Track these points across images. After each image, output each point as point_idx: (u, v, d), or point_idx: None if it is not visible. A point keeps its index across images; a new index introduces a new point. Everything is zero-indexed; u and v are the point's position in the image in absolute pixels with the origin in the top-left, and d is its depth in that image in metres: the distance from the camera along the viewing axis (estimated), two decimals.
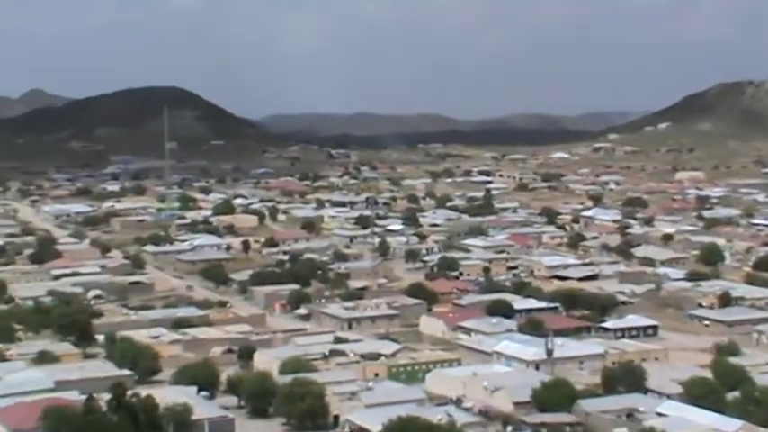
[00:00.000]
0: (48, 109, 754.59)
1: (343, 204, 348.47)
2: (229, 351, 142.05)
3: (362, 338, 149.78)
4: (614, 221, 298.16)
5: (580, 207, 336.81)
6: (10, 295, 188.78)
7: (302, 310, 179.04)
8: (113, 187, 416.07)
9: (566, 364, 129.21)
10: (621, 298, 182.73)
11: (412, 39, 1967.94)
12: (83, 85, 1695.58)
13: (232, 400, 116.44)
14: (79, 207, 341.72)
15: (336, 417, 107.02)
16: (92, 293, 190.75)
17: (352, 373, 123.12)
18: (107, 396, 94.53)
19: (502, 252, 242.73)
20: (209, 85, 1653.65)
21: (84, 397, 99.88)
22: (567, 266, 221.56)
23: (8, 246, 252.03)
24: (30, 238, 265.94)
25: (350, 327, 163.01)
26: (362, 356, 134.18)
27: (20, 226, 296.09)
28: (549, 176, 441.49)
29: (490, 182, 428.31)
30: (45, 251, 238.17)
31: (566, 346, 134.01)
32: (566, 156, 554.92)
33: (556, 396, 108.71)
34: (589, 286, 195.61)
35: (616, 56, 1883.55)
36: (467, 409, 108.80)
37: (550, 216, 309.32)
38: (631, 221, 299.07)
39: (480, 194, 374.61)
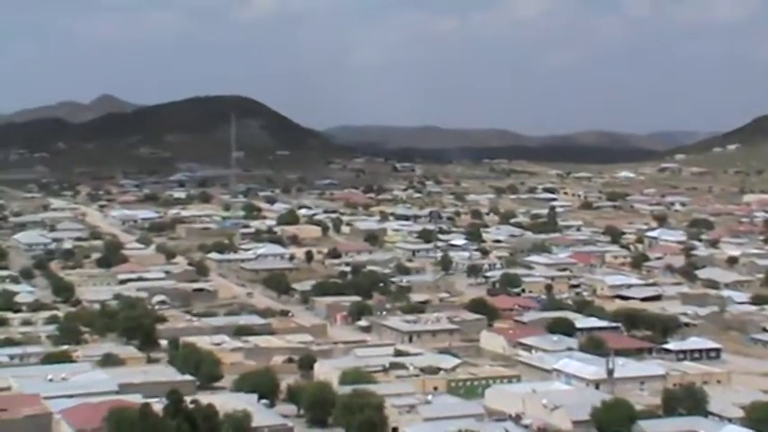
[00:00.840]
0: (118, 115, 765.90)
1: (406, 218, 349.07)
2: (290, 360, 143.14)
3: (422, 352, 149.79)
4: (679, 242, 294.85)
5: (645, 227, 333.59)
6: (77, 298, 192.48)
7: (363, 322, 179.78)
8: (180, 194, 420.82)
9: (626, 385, 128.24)
10: (684, 320, 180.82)
11: (481, 54, 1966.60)
12: (152, 92, 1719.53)
13: (292, 408, 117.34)
14: (146, 213, 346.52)
15: (395, 429, 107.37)
16: (156, 299, 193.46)
17: (411, 387, 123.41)
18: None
19: (564, 270, 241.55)
20: (276, 96, 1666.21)
21: (147, 400, 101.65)
22: (629, 286, 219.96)
23: (76, 249, 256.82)
24: (97, 243, 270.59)
25: (410, 340, 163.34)
26: (422, 370, 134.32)
27: (88, 230, 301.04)
28: (614, 195, 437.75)
29: (554, 199, 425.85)
30: (112, 256, 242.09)
31: (626, 367, 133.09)
32: (631, 175, 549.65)
33: (615, 416, 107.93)
34: (652, 307, 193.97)
35: (685, 75, 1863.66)
36: (525, 427, 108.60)
37: (614, 235, 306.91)
38: (696, 243, 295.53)
39: (544, 211, 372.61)
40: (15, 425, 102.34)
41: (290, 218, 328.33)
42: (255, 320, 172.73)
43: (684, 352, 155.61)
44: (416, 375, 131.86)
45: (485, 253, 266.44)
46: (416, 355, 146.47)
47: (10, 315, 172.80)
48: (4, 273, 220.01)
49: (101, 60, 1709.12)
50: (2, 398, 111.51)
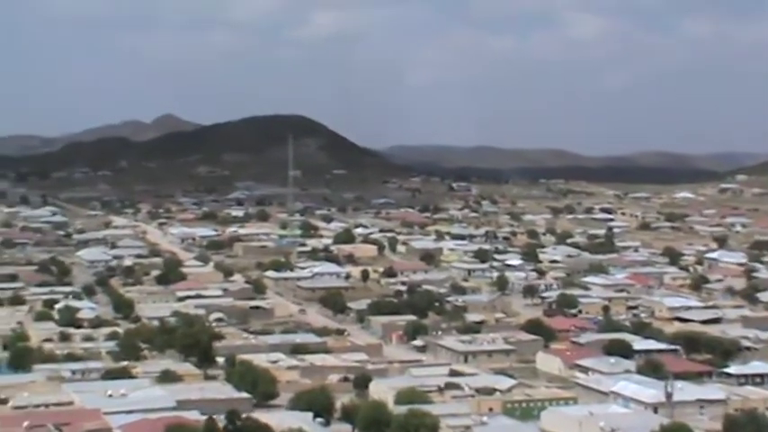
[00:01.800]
0: (178, 134, 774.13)
1: (462, 237, 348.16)
2: (345, 379, 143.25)
3: (478, 372, 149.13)
4: (740, 264, 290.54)
5: (704, 249, 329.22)
6: (137, 314, 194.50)
7: (418, 342, 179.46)
8: (237, 212, 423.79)
9: (685, 409, 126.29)
10: (745, 343, 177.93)
11: (538, 73, 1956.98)
12: (212, 112, 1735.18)
13: (347, 428, 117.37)
14: (204, 231, 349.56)
15: None
16: (214, 316, 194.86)
17: (466, 407, 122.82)
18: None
19: (622, 291, 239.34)
20: (333, 115, 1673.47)
21: (204, 417, 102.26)
22: (689, 308, 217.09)
23: (136, 266, 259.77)
24: (157, 260, 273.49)
25: (465, 360, 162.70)
26: (477, 390, 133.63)
27: (148, 247, 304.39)
28: (672, 216, 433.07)
29: (612, 220, 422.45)
30: (171, 273, 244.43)
31: (686, 390, 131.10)
32: (691, 196, 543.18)
33: None
34: (712, 330, 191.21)
35: (746, 95, 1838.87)
36: None
37: (673, 257, 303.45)
38: (757, 265, 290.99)
39: (601, 232, 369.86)
40: None
41: (346, 237, 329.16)
42: (311, 339, 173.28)
43: (746, 376, 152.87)
44: (472, 396, 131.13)
45: (541, 273, 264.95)
46: (472, 375, 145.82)
47: (72, 331, 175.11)
48: (68, 289, 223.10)
49: (163, 80, 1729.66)
50: (64, 412, 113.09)
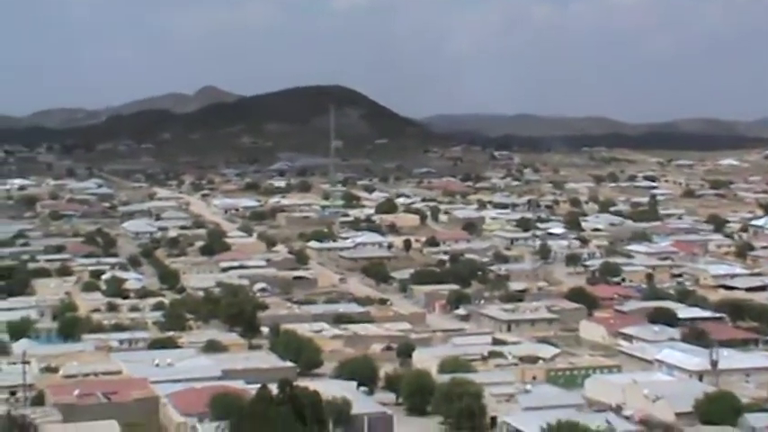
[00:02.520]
0: (220, 105, 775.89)
1: (504, 206, 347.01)
2: (389, 348, 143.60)
3: (521, 341, 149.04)
4: None
5: (749, 216, 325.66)
6: (182, 285, 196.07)
7: (461, 311, 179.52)
8: (280, 183, 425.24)
9: (731, 377, 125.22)
10: None
11: (580, 40, 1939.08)
12: (254, 83, 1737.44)
13: (390, 396, 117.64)
14: (247, 202, 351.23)
15: (494, 418, 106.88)
16: (257, 286, 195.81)
17: (509, 375, 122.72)
18: (270, 386, 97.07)
19: (666, 259, 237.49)
20: (374, 85, 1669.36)
21: (249, 386, 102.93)
22: (734, 276, 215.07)
23: (181, 238, 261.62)
24: (201, 231, 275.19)
25: (509, 329, 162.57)
26: (521, 359, 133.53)
27: (192, 219, 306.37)
28: (717, 183, 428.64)
29: (655, 187, 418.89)
30: (215, 244, 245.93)
31: (731, 358, 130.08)
32: (736, 162, 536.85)
33: (720, 408, 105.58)
34: (757, 297, 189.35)
35: None
36: (626, 417, 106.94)
37: (718, 224, 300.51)
38: None
39: (645, 200, 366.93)
40: (125, 407, 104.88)
41: (388, 206, 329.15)
42: (354, 308, 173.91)
43: None
44: (515, 364, 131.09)
45: (584, 242, 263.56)
46: (515, 344, 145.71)
47: (119, 301, 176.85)
48: (114, 260, 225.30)
49: (204, 52, 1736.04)
50: (112, 381, 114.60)
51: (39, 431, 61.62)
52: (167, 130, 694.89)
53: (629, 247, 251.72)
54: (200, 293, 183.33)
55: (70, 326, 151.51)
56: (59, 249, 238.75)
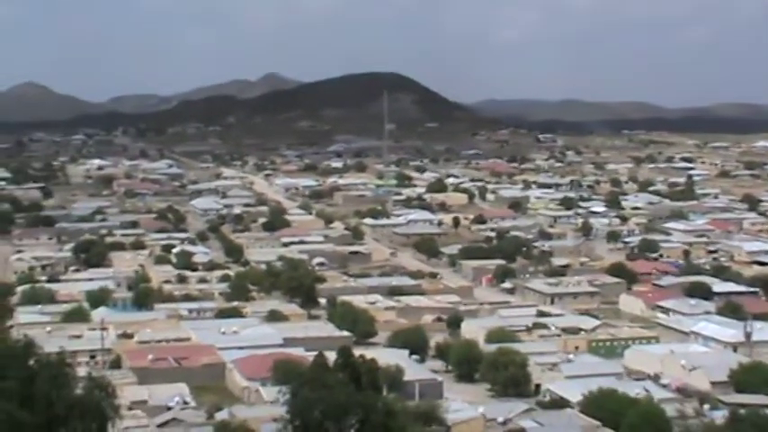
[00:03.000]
0: (281, 91, 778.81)
1: (548, 186, 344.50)
2: (439, 319, 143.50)
3: (564, 313, 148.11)
4: None
5: None
6: (246, 259, 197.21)
7: (507, 284, 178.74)
8: (337, 164, 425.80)
9: (764, 348, 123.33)
10: None
11: (621, 28, 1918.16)
12: (312, 70, 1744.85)
13: (440, 364, 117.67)
14: (306, 181, 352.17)
15: (538, 386, 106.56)
16: (316, 260, 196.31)
17: (553, 346, 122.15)
18: (328, 354, 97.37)
19: (702, 236, 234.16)
20: (425, 72, 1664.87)
21: (308, 353, 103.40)
22: (767, 252, 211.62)
23: (245, 214, 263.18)
24: (263, 209, 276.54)
25: (552, 302, 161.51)
26: (563, 330, 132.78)
27: (255, 197, 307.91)
28: (751, 164, 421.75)
29: (692, 168, 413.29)
30: (276, 220, 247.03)
31: (764, 330, 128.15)
32: None
33: (754, 378, 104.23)
34: None
35: None
36: (664, 386, 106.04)
37: (752, 203, 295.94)
38: None
39: (682, 180, 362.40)
40: (194, 372, 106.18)
41: (438, 186, 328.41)
42: (407, 281, 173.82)
43: None
44: (558, 335, 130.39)
45: (624, 220, 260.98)
46: (558, 316, 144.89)
47: (189, 273, 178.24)
48: (183, 235, 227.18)
49: (268, 40, 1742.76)
50: (182, 347, 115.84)
51: (116, 392, 62.30)
52: (233, 114, 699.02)
53: (667, 225, 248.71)
54: (263, 267, 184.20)
55: (144, 296, 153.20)
56: (134, 225, 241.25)
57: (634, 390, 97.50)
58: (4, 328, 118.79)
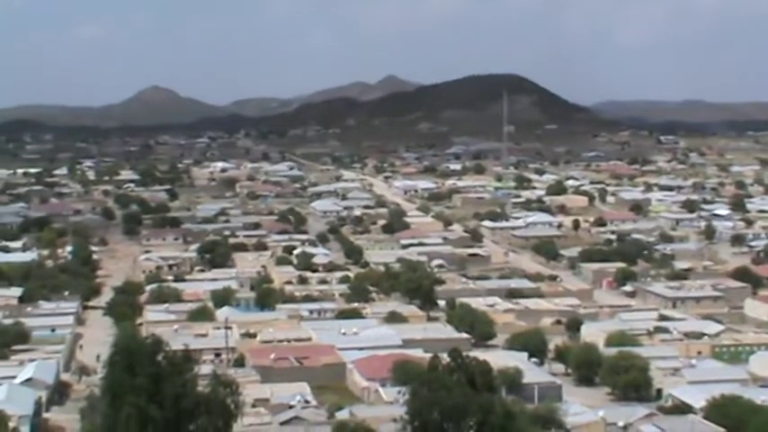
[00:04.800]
0: (401, 94, 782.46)
1: (670, 188, 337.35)
2: (558, 322, 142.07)
3: (686, 317, 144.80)
4: None
5: None
6: (365, 260, 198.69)
7: (628, 288, 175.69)
8: (455, 166, 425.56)
9: None
10: None
11: (747, 27, 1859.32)
12: (431, 72, 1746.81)
13: (560, 367, 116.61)
14: (425, 183, 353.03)
15: (659, 390, 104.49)
16: (435, 262, 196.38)
17: (675, 350, 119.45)
18: (445, 355, 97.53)
19: None
20: (545, 73, 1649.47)
21: (427, 355, 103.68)
22: None
23: (364, 216, 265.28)
24: (382, 211, 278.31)
25: (674, 306, 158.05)
26: (686, 335, 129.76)
27: (374, 199, 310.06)
28: None
29: None
30: (395, 222, 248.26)
31: None
32: None
33: None
34: None
35: None
36: None
37: None
38: None
39: None
40: (315, 371, 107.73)
41: (557, 188, 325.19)
42: (526, 284, 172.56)
43: None
44: (680, 340, 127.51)
45: (749, 223, 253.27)
46: (680, 320, 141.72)
47: (309, 274, 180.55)
48: (304, 236, 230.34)
49: (387, 43, 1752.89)
50: (304, 347, 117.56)
51: (240, 390, 63.89)
52: (352, 116, 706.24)
53: None
54: (382, 268, 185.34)
55: (266, 296, 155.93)
56: (256, 226, 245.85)
57: (760, 397, 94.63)
58: (135, 326, 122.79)
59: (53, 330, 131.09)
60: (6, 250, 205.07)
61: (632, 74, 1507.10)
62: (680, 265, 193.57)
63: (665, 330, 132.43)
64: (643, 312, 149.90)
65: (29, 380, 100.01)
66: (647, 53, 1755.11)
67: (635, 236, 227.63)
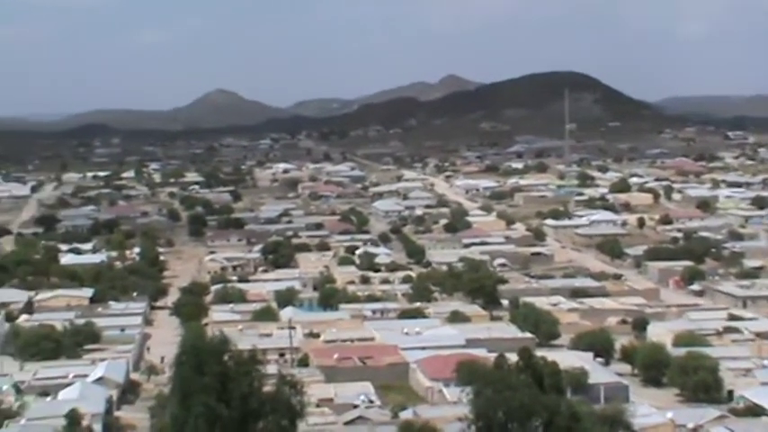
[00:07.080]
0: (462, 93, 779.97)
1: (739, 185, 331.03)
2: (624, 321, 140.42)
3: (758, 317, 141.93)
4: None
5: None
6: (428, 260, 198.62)
7: (696, 287, 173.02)
8: (517, 165, 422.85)
9: None
10: None
11: None
12: (492, 71, 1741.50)
13: (626, 367, 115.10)
14: (487, 182, 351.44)
15: (730, 392, 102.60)
16: (497, 261, 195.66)
17: (746, 351, 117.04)
18: (509, 355, 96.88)
19: None
20: (607, 70, 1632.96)
21: (491, 354, 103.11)
22: None
23: (426, 216, 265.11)
24: (444, 210, 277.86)
25: (744, 305, 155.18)
26: (757, 335, 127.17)
27: (436, 199, 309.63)
28: None
29: None
30: (457, 222, 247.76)
31: None
32: None
33: None
34: None
35: None
36: None
37: None
38: None
39: None
40: (379, 371, 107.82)
41: (621, 186, 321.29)
42: (590, 283, 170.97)
43: None
44: (752, 340, 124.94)
45: None
46: (751, 320, 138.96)
47: (371, 274, 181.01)
48: (366, 236, 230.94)
49: (447, 43, 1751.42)
50: (367, 347, 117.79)
51: (305, 389, 64.12)
52: (413, 116, 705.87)
53: None
54: (444, 268, 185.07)
55: (329, 296, 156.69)
56: (318, 227, 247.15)
57: None
58: (201, 326, 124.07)
59: (122, 330, 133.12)
60: (78, 252, 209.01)
61: (697, 68, 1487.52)
62: (750, 263, 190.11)
63: (736, 330, 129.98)
64: (712, 312, 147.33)
65: (100, 379, 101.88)
66: (712, 47, 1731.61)
67: (702, 234, 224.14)
